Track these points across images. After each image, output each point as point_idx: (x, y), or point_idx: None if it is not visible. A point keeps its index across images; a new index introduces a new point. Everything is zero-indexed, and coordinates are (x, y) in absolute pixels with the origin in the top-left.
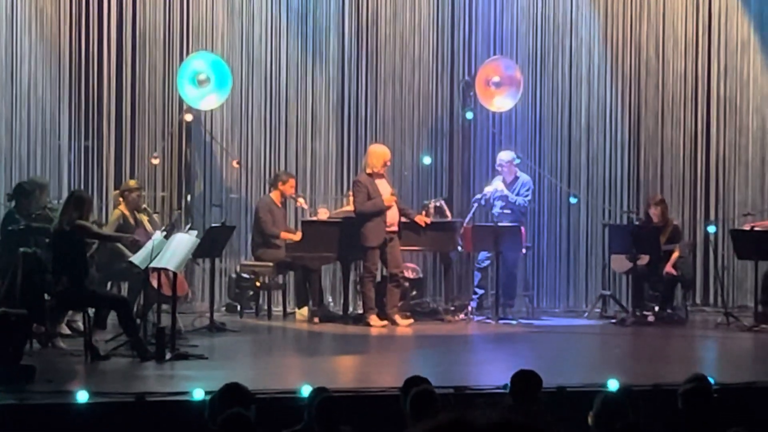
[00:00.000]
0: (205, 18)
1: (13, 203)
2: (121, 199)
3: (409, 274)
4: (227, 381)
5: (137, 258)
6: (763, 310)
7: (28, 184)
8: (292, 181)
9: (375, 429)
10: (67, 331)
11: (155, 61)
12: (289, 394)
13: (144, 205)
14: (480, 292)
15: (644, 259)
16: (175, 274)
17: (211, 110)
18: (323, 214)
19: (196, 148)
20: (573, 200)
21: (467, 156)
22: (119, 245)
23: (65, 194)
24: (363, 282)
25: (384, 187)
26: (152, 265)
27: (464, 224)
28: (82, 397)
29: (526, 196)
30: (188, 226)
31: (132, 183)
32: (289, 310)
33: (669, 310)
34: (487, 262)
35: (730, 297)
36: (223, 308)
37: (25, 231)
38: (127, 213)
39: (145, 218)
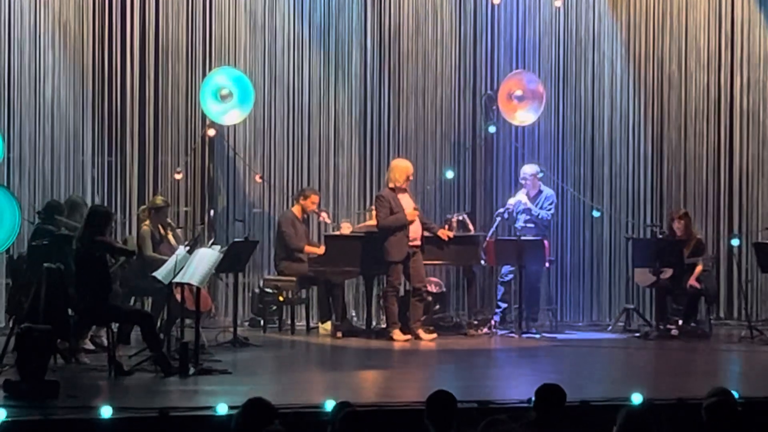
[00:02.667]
0: (228, 33)
1: (38, 219)
2: (147, 213)
3: (432, 289)
4: (251, 396)
5: (161, 273)
6: None
7: (56, 201)
8: (315, 198)
9: None
10: (91, 347)
11: (178, 76)
12: (312, 408)
13: (168, 220)
14: (503, 305)
15: (668, 273)
16: (198, 289)
17: (234, 125)
18: (346, 229)
19: (219, 163)
20: (596, 214)
21: (490, 170)
22: (155, 254)
23: None
24: (386, 296)
25: (407, 202)
26: (176, 280)
27: (487, 238)
28: (105, 412)
29: (550, 209)
30: (211, 241)
31: (159, 200)
32: (312, 324)
33: (693, 324)
34: (510, 276)
35: (754, 310)
36: (247, 323)
37: (49, 246)
38: (153, 230)
39: (169, 233)
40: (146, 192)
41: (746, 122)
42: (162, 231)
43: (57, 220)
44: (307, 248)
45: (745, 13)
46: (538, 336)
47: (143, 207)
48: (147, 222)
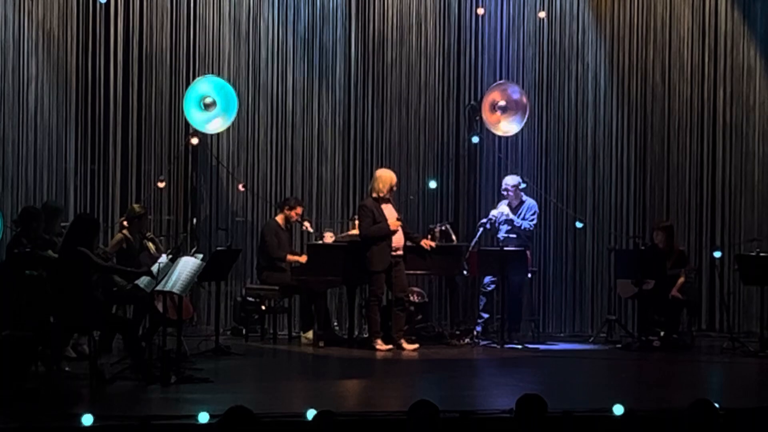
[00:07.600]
0: (212, 42)
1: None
2: (125, 223)
3: (414, 299)
4: (232, 404)
5: (143, 281)
6: None
7: (33, 208)
8: (299, 210)
9: None
10: (73, 354)
11: (162, 84)
12: (293, 417)
13: (149, 233)
14: (485, 316)
15: (650, 284)
16: (180, 297)
17: (217, 134)
18: (329, 238)
19: (202, 171)
20: (579, 225)
21: (473, 180)
22: (116, 278)
23: (72, 218)
24: (368, 306)
25: (390, 212)
26: (158, 288)
27: (470, 248)
28: (86, 420)
29: (532, 220)
30: (194, 250)
31: (137, 208)
32: (294, 333)
33: (674, 335)
34: (493, 287)
35: (735, 322)
36: (229, 332)
37: (31, 254)
38: (130, 238)
39: (151, 245)
40: (129, 200)
41: (729, 135)
42: (144, 241)
43: (33, 230)
44: (289, 257)
45: (728, 26)
46: (520, 346)
47: (121, 219)
48: (125, 231)
